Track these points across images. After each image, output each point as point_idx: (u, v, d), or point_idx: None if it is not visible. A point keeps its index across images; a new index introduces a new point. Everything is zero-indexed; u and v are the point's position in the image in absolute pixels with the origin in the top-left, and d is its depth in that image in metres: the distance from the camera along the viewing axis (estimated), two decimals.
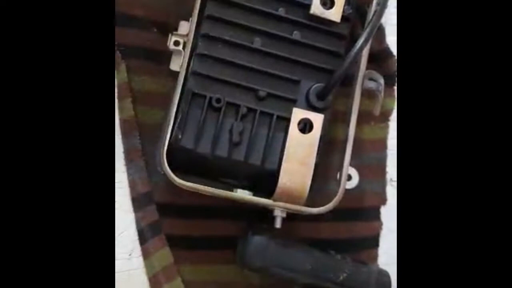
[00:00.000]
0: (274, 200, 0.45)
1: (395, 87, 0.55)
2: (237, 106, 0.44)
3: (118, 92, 0.50)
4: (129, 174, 0.49)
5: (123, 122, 0.49)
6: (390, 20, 0.55)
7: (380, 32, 0.53)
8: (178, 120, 0.43)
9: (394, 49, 0.55)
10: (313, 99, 0.45)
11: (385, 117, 0.54)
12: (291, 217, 0.47)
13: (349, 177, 0.52)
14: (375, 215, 0.53)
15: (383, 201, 0.54)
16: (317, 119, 0.44)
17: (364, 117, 0.53)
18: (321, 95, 0.45)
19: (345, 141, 0.47)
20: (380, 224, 0.53)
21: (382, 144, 0.54)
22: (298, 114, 0.44)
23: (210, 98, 0.44)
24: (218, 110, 0.44)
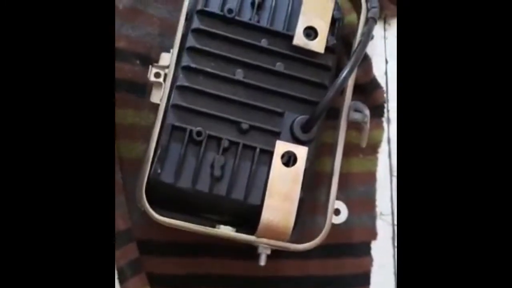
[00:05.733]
0: (258, 237, 0.43)
1: (383, 119, 0.54)
2: (218, 139, 0.43)
3: None
4: None
5: None
6: (377, 51, 0.54)
7: (366, 63, 0.53)
8: (158, 154, 0.42)
9: (382, 79, 0.54)
10: (297, 131, 0.44)
11: (373, 149, 0.53)
12: (278, 254, 0.45)
13: (338, 212, 0.50)
14: (365, 250, 0.51)
15: (374, 235, 0.52)
16: (301, 152, 0.43)
17: (352, 150, 0.52)
18: (305, 127, 0.44)
19: (332, 176, 0.46)
20: (371, 260, 0.51)
21: (371, 177, 0.53)
22: (281, 147, 0.43)
23: (191, 131, 0.42)
24: (199, 143, 0.43)
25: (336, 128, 0.47)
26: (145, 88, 0.50)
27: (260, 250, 0.44)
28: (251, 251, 0.45)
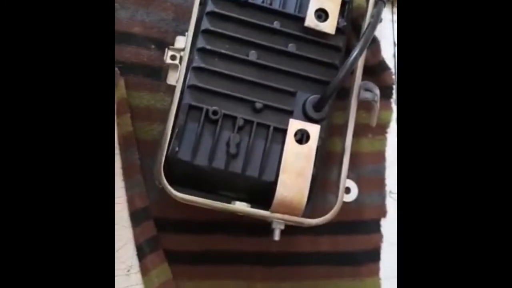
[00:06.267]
0: (272, 212, 0.44)
1: (392, 100, 0.55)
2: (234, 118, 0.44)
3: (117, 108, 0.50)
4: (127, 190, 0.49)
5: (121, 137, 0.50)
6: (385, 34, 0.56)
7: (375, 45, 0.54)
8: (175, 133, 0.44)
9: (390, 62, 0.56)
10: (309, 110, 0.45)
11: (382, 129, 0.54)
12: (290, 230, 0.47)
13: (348, 190, 0.51)
14: (375, 227, 0.53)
15: (383, 213, 0.53)
16: (314, 130, 0.44)
17: (362, 130, 0.53)
18: (317, 106, 0.45)
19: (343, 154, 0.47)
20: (381, 236, 0.53)
21: (380, 156, 0.54)
22: (294, 125, 0.44)
23: (207, 110, 0.44)
24: (215, 122, 0.44)
25: (346, 108, 0.49)
26: (160, 72, 0.51)
27: (274, 225, 0.45)
28: (264, 228, 0.46)
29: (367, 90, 0.47)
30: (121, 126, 0.50)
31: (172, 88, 0.46)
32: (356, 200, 0.52)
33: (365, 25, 0.49)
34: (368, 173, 0.54)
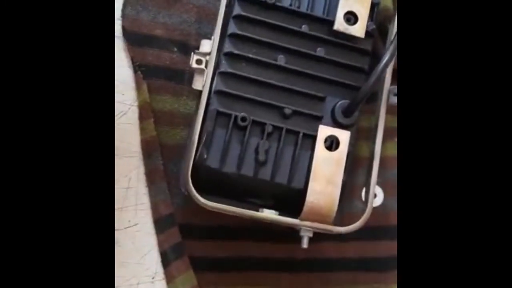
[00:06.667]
0: (301, 220, 0.44)
1: None
2: (262, 125, 0.43)
3: (140, 113, 0.49)
4: (151, 196, 0.49)
5: (145, 143, 0.49)
6: None
7: None
8: (203, 139, 0.43)
9: None
10: (338, 115, 0.44)
11: None
12: (316, 237, 0.46)
13: (374, 195, 0.51)
14: None
15: None
16: (344, 136, 0.44)
17: (388, 134, 0.52)
18: (346, 112, 0.44)
19: (369, 159, 0.47)
20: None
21: None
22: (324, 131, 0.44)
23: (235, 116, 0.43)
24: (243, 128, 0.43)
25: (373, 112, 0.48)
26: (183, 75, 0.50)
27: (302, 232, 0.44)
28: (290, 234, 0.46)
29: (396, 95, 0.47)
30: (144, 131, 0.49)
31: (195, 92, 0.45)
32: (382, 205, 0.51)
33: (394, 28, 0.48)
34: (393, 178, 0.53)
